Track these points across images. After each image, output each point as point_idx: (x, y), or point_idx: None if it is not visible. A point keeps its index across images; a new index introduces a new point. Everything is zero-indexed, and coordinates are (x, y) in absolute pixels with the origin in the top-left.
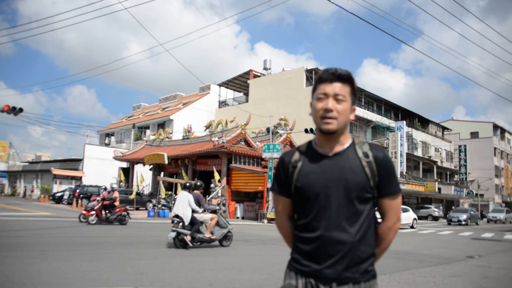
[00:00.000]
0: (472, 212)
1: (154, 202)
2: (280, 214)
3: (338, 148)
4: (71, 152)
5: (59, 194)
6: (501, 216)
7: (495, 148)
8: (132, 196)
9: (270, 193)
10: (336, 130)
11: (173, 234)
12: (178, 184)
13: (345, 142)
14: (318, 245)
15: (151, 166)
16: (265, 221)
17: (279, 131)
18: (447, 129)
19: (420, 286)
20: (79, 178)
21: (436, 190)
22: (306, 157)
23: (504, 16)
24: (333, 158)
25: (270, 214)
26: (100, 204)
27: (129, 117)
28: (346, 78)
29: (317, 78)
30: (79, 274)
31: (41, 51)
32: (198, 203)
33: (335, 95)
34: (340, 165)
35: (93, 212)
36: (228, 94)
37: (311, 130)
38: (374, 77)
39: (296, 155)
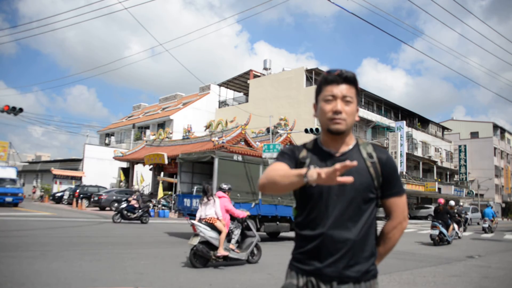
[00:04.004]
0: None
1: (154, 202)
2: (273, 169)
3: (344, 149)
4: (71, 152)
5: (59, 194)
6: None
7: (495, 148)
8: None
9: None
10: (344, 130)
11: None
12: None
13: (350, 142)
14: (320, 243)
15: (151, 166)
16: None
17: (279, 131)
18: (447, 129)
19: (420, 286)
20: (79, 178)
21: (436, 190)
22: (313, 155)
23: (506, 16)
24: (339, 158)
25: None
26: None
27: (129, 117)
28: (352, 80)
29: (323, 80)
30: (79, 274)
31: (42, 51)
32: None
33: (343, 96)
34: None
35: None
36: (228, 94)
37: (311, 130)
38: (374, 77)
39: (304, 152)
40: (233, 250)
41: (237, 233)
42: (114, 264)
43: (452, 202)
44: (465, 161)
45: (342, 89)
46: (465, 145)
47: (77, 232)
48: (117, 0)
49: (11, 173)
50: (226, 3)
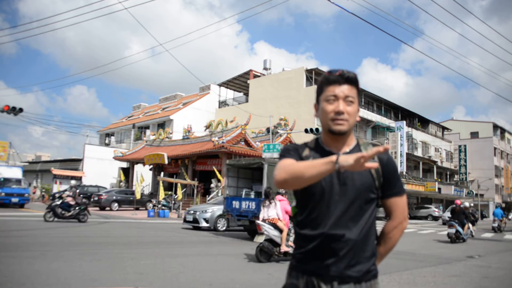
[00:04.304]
0: None
1: (154, 202)
2: (288, 164)
3: (345, 149)
4: (71, 152)
5: (59, 194)
6: None
7: (495, 148)
8: (138, 197)
9: None
10: (347, 131)
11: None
12: (178, 184)
13: (351, 143)
14: (321, 243)
15: (151, 166)
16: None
17: (279, 131)
18: (447, 129)
19: (420, 286)
20: (79, 178)
21: (436, 190)
22: (316, 154)
23: (507, 16)
24: None
25: None
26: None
27: (129, 117)
28: (354, 80)
29: (324, 80)
30: (79, 274)
31: (42, 51)
32: None
33: (345, 97)
34: None
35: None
36: (228, 94)
37: (311, 130)
38: (374, 77)
39: (307, 151)
40: (292, 246)
41: (285, 231)
42: (114, 264)
43: (467, 204)
44: (465, 161)
45: (344, 89)
46: (465, 145)
47: (77, 232)
48: (117, 0)
49: (17, 173)
50: (226, 3)
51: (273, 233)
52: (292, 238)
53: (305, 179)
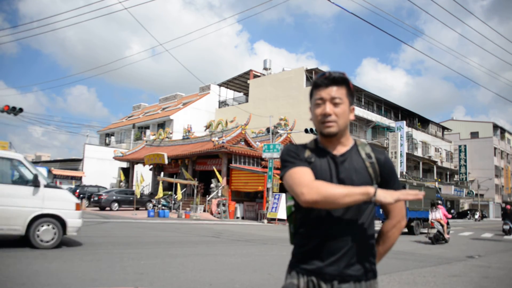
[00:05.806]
0: None
1: (154, 202)
2: (311, 179)
3: (342, 149)
4: (71, 152)
5: None
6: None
7: (495, 148)
8: (137, 195)
9: (270, 193)
10: (337, 132)
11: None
12: (178, 184)
13: (348, 143)
14: (321, 242)
15: (151, 166)
16: (265, 221)
17: (279, 131)
18: (447, 129)
19: (420, 286)
20: (79, 178)
21: None
22: (316, 155)
23: (507, 16)
24: (339, 158)
25: (270, 214)
26: None
27: (129, 117)
28: (341, 80)
29: (313, 84)
30: (79, 274)
31: (42, 51)
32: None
33: (332, 99)
34: (347, 165)
35: None
36: (228, 94)
37: (311, 130)
38: (374, 77)
39: (308, 152)
40: (447, 235)
41: (445, 226)
42: (114, 264)
43: None
44: (465, 161)
45: (330, 91)
46: (465, 145)
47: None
48: (117, 0)
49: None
50: (226, 3)
51: (439, 227)
52: (448, 230)
53: (338, 205)
